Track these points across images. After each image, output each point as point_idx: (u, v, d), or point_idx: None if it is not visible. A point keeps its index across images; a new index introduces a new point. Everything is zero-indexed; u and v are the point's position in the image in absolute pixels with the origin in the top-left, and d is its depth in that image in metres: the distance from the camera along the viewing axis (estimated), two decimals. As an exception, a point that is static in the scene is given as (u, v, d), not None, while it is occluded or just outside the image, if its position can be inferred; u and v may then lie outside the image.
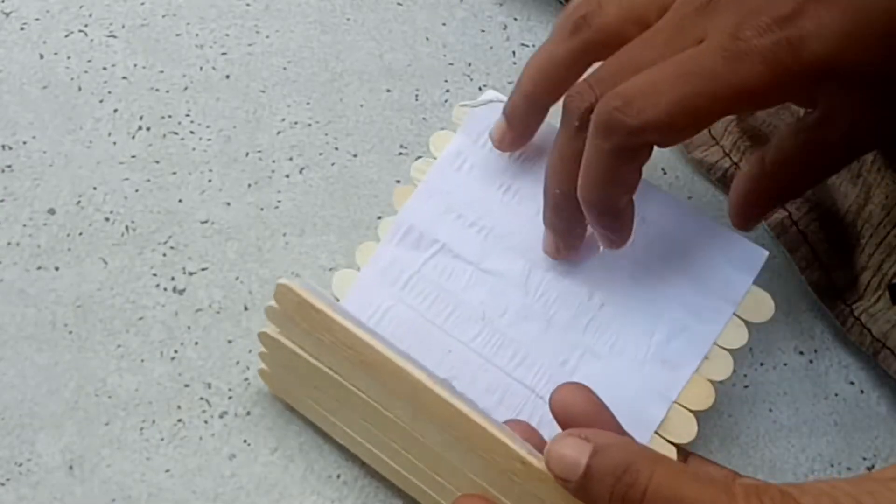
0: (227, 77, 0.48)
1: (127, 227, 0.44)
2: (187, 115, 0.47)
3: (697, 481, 0.28)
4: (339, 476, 0.40)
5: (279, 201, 0.45)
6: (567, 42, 0.36)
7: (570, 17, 0.36)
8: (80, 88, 0.46)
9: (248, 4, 0.49)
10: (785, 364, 0.45)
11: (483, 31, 0.51)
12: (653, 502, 0.28)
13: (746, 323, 0.38)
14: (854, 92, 0.33)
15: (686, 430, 0.38)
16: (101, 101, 0.46)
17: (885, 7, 0.31)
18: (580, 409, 0.34)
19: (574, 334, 0.39)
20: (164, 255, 0.44)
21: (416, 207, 0.42)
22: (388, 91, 0.48)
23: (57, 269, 0.43)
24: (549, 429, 0.35)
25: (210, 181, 0.45)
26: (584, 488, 0.29)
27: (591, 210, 0.35)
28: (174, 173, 0.45)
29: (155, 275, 0.43)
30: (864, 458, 0.43)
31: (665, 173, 0.47)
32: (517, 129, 0.40)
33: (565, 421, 0.34)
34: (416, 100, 0.49)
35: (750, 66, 0.31)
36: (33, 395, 0.41)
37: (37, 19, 0.47)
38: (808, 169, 0.36)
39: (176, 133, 0.46)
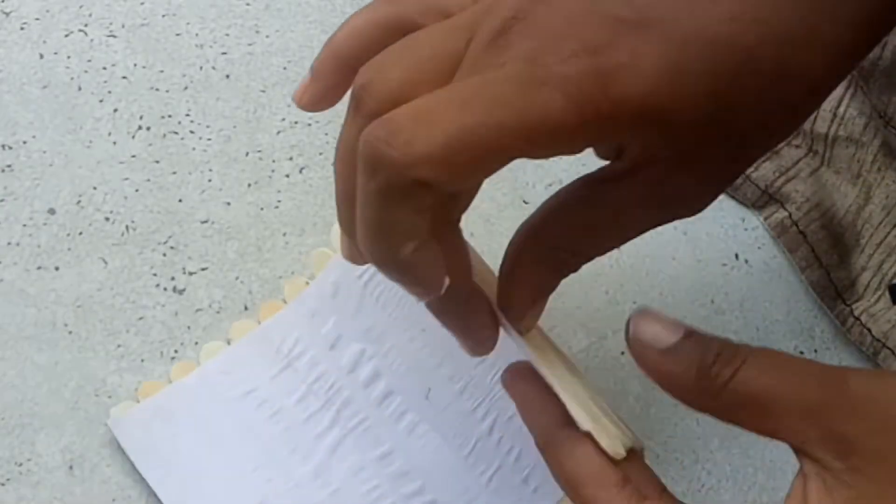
0: (227, 77, 0.48)
1: (127, 227, 0.44)
2: (187, 115, 0.47)
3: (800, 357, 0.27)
4: (339, 476, 0.40)
5: (279, 201, 0.45)
6: (378, 9, 0.32)
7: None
8: (80, 88, 0.46)
9: (248, 4, 0.49)
10: (785, 364, 0.45)
11: (483, 30, 0.51)
12: (752, 365, 0.27)
13: None
14: (673, 140, 0.28)
15: None
16: (101, 101, 0.46)
17: (710, 38, 0.26)
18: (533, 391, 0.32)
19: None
20: (164, 255, 0.44)
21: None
22: (388, 91, 0.48)
23: (57, 269, 0.43)
24: None
25: (210, 181, 0.45)
26: (674, 357, 0.28)
27: (372, 262, 0.29)
28: (174, 173, 0.45)
29: (155, 275, 0.43)
30: (864, 458, 0.43)
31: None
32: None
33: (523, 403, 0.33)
34: (416, 100, 0.49)
35: (548, 95, 0.26)
36: (33, 395, 0.41)
37: (37, 19, 0.47)
38: (594, 231, 0.31)
39: (176, 133, 0.46)
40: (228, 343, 0.42)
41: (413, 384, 0.41)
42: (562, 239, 0.31)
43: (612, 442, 0.30)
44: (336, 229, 0.44)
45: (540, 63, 0.26)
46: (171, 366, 0.42)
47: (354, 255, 0.33)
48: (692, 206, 0.31)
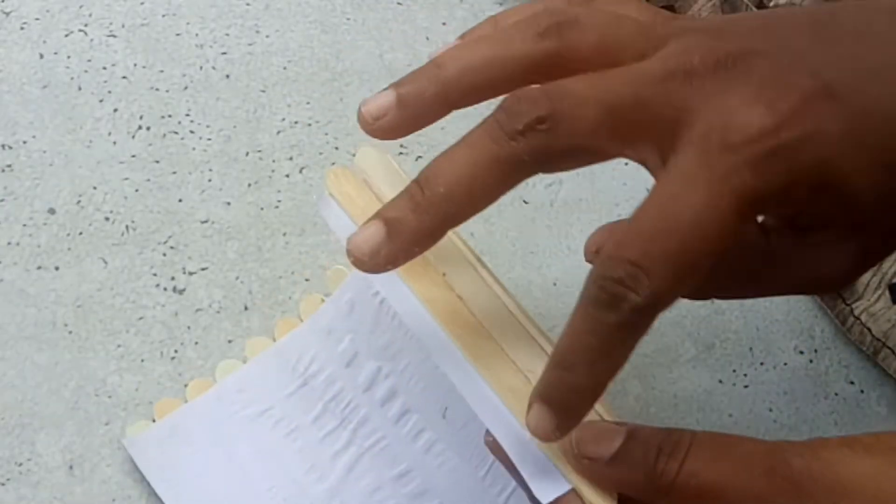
0: (227, 77, 0.48)
1: (127, 227, 0.44)
2: (187, 115, 0.47)
3: (739, 436, 0.28)
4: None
5: (279, 201, 0.45)
6: (528, 43, 0.30)
7: (538, 18, 0.30)
8: (80, 88, 0.46)
9: (248, 4, 0.49)
10: (785, 364, 0.45)
11: (483, 30, 0.51)
12: (696, 457, 0.28)
13: None
14: (847, 209, 0.29)
15: None
16: (101, 101, 0.46)
17: (891, 109, 0.27)
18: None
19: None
20: (164, 254, 0.44)
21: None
22: (388, 91, 0.48)
23: (57, 269, 0.43)
24: None
25: (210, 181, 0.45)
26: (620, 463, 0.29)
27: (571, 383, 0.28)
28: (174, 173, 0.45)
29: (155, 275, 0.43)
30: (865, 458, 0.43)
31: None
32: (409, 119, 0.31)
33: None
34: (416, 100, 0.49)
35: (745, 179, 0.27)
36: (33, 395, 0.41)
37: (37, 19, 0.47)
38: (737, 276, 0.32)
39: (176, 133, 0.46)
40: (244, 361, 0.42)
41: (429, 403, 0.40)
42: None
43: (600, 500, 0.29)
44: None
45: (722, 147, 0.27)
46: (172, 366, 0.42)
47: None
48: (842, 279, 0.32)
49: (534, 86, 0.29)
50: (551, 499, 0.29)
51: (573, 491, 0.29)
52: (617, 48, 0.29)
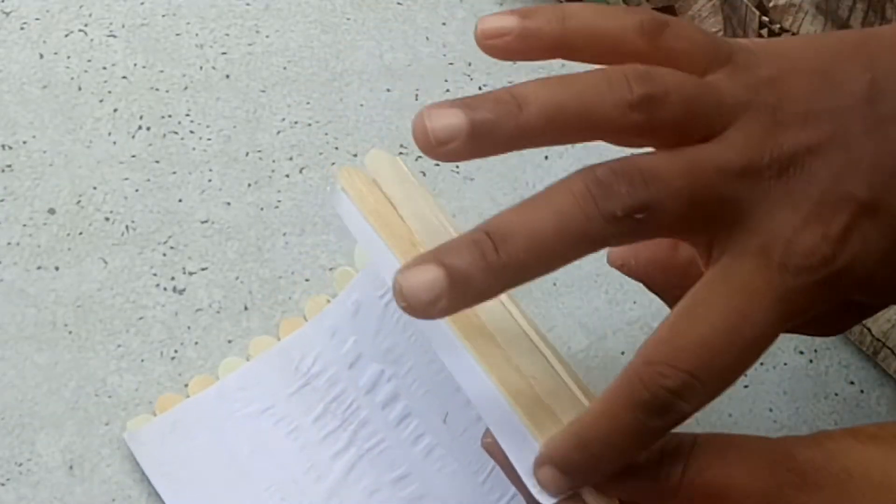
0: (227, 77, 0.48)
1: (127, 227, 0.44)
2: (187, 115, 0.47)
3: (742, 435, 0.29)
4: (339, 476, 0.40)
5: (279, 201, 0.45)
6: (618, 110, 0.28)
7: (631, 82, 0.28)
8: (80, 88, 0.46)
9: (248, 4, 0.49)
10: (785, 364, 0.45)
11: (483, 30, 0.51)
12: (699, 458, 0.28)
13: None
14: (872, 297, 0.31)
15: None
16: (101, 101, 0.46)
17: None
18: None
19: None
20: (164, 255, 0.44)
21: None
22: (388, 91, 0.48)
23: (57, 269, 0.43)
24: None
25: (210, 181, 0.45)
26: (628, 473, 0.29)
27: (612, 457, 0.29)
28: (174, 173, 0.45)
29: (155, 275, 0.43)
30: (864, 458, 0.43)
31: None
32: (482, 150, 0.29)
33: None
34: (416, 100, 0.49)
35: (798, 302, 0.28)
36: (33, 395, 0.41)
37: (37, 19, 0.47)
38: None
39: (176, 133, 0.46)
40: (247, 359, 0.42)
41: (431, 407, 0.40)
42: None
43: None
44: (359, 250, 0.44)
45: (782, 268, 0.28)
46: (172, 366, 0.42)
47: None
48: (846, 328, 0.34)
49: (628, 158, 0.28)
50: (552, 502, 0.29)
51: (576, 497, 0.29)
52: (695, 124, 0.29)
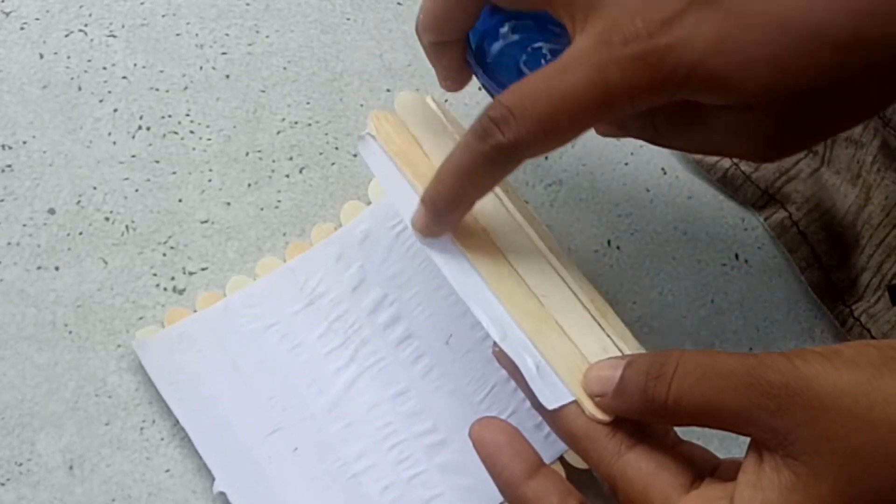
0: (227, 77, 0.48)
1: (127, 227, 0.44)
2: (187, 115, 0.47)
3: (724, 353, 0.29)
4: (339, 476, 0.40)
5: (279, 201, 0.46)
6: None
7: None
8: (80, 88, 0.46)
9: (248, 4, 0.49)
10: (785, 364, 0.45)
11: (483, 31, 0.51)
12: (682, 379, 0.29)
13: None
14: (737, 96, 0.31)
15: None
16: (101, 101, 0.46)
17: (777, 14, 0.30)
18: (502, 441, 0.32)
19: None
20: (164, 254, 0.44)
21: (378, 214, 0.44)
22: (388, 91, 0.48)
23: (57, 269, 0.43)
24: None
25: (210, 181, 0.45)
26: (620, 394, 0.31)
27: (441, 194, 0.34)
28: (174, 173, 0.45)
29: (155, 275, 0.43)
30: (864, 459, 0.43)
31: (665, 173, 0.47)
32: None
33: (486, 455, 0.33)
34: (416, 100, 0.49)
35: (611, 74, 0.31)
36: (33, 395, 0.41)
37: (37, 19, 0.47)
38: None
39: (176, 133, 0.46)
40: (254, 279, 0.43)
41: (433, 330, 0.42)
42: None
43: (593, 410, 0.32)
44: (373, 186, 0.45)
45: (609, 41, 0.31)
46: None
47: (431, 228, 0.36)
48: (757, 153, 0.34)
49: None
50: (556, 406, 0.31)
51: (575, 403, 0.32)
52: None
